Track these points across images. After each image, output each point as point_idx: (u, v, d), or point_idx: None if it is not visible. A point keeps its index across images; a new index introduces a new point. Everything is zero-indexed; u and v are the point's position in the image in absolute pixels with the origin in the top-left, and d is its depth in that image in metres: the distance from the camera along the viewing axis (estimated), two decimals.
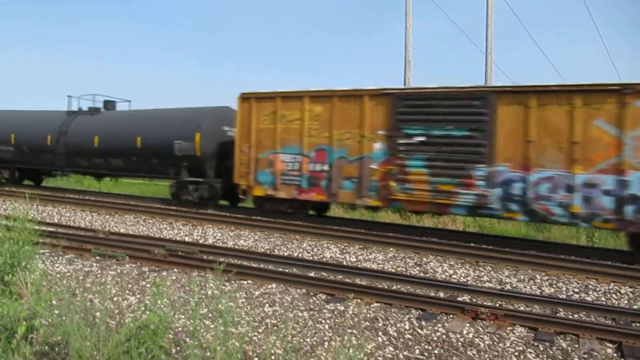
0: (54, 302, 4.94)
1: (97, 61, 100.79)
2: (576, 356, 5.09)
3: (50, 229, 9.85)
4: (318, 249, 10.05)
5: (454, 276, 8.44)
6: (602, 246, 13.10)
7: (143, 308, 4.84)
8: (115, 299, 6.16)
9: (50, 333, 4.36)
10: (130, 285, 6.85)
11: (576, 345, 5.35)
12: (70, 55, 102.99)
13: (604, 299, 7.51)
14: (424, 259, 9.54)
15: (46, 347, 4.32)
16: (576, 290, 7.85)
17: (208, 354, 4.02)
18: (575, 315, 6.44)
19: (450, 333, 5.54)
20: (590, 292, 7.75)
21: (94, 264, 7.95)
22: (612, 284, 8.22)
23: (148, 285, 6.87)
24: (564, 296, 7.54)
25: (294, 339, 5.16)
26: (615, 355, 5.19)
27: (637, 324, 6.16)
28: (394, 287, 7.33)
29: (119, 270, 7.63)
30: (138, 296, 6.38)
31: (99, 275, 7.32)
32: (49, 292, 4.99)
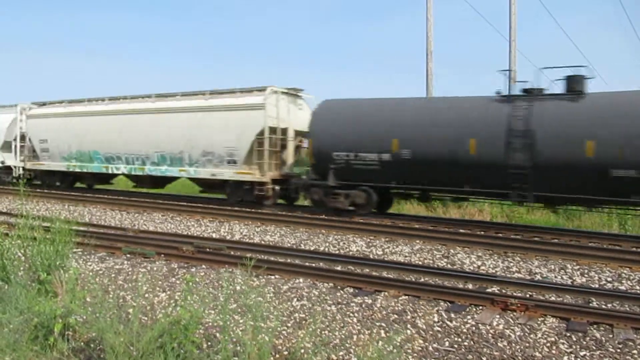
0: (88, 299, 5.08)
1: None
2: (610, 346, 4.99)
3: (82, 228, 10.08)
4: (344, 243, 10.06)
5: (482, 267, 8.35)
6: (635, 234, 12.77)
7: (174, 304, 4.93)
8: (146, 295, 6.28)
9: (86, 330, 4.48)
10: (160, 282, 6.98)
11: (610, 336, 5.24)
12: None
13: (638, 287, 7.33)
14: (451, 250, 9.46)
15: (82, 344, 4.44)
16: (609, 279, 7.68)
17: (238, 348, 4.08)
18: (609, 305, 6.30)
19: (480, 325, 5.49)
20: (623, 281, 7.58)
21: (125, 262, 8.12)
22: None
23: (178, 282, 6.99)
24: (597, 285, 7.39)
25: (323, 332, 5.19)
26: None
27: None
28: (422, 280, 7.30)
29: (149, 268, 7.78)
30: (168, 292, 6.50)
31: (130, 273, 7.47)
32: (83, 290, 5.13)
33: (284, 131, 14.85)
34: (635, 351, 4.88)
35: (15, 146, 21.05)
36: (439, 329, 5.43)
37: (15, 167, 21.13)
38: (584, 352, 4.85)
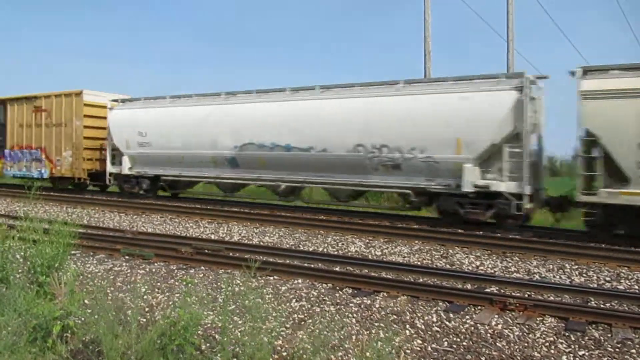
0: (86, 301, 5.08)
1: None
2: (609, 346, 5.00)
3: (80, 230, 10.07)
4: (343, 244, 10.06)
5: (481, 267, 8.36)
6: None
7: (173, 306, 4.92)
8: (145, 297, 6.27)
9: (84, 332, 4.48)
10: (159, 284, 6.98)
11: (609, 335, 5.25)
12: None
13: (636, 287, 7.35)
14: (450, 250, 9.47)
15: (80, 346, 4.44)
16: (607, 278, 7.70)
17: (237, 349, 4.08)
18: (608, 304, 6.32)
19: (478, 325, 5.50)
20: (622, 281, 7.59)
21: (124, 264, 8.11)
22: None
23: (177, 284, 6.98)
24: (595, 285, 7.40)
25: (322, 333, 5.19)
26: None
27: None
28: (421, 280, 7.30)
29: (147, 269, 7.78)
30: (167, 294, 6.49)
31: (128, 275, 7.47)
32: (81, 292, 5.13)
33: None
34: (633, 350, 4.89)
35: (515, 154, 10.77)
36: (437, 329, 5.43)
37: (524, 196, 10.62)
38: (582, 352, 4.86)
